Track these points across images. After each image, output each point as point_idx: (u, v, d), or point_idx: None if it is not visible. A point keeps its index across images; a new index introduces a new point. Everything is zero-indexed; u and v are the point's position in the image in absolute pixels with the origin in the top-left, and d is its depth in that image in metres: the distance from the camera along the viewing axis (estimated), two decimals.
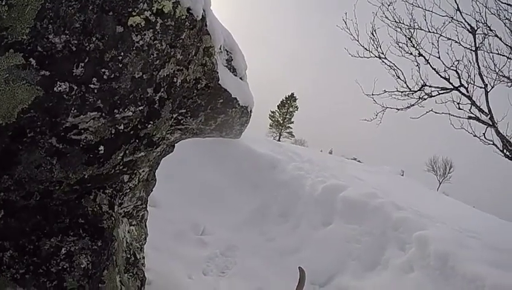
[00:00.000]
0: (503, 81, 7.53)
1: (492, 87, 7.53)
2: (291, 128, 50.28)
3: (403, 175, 21.23)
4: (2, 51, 1.48)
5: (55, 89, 1.61)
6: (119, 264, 2.89)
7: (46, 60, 1.55)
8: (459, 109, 7.74)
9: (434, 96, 8.07)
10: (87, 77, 1.68)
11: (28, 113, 1.60)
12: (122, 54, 1.74)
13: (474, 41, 7.54)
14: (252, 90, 3.80)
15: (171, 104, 2.32)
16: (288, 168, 8.52)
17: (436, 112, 8.08)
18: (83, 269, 2.29)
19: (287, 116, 49.97)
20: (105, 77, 1.73)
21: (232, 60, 3.33)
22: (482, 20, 7.42)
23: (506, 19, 7.21)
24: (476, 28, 7.52)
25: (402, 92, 8.14)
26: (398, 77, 8.11)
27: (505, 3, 7.14)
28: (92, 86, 1.71)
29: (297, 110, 50.14)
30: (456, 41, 7.69)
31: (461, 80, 7.65)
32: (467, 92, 7.66)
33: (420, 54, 7.94)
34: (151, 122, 2.21)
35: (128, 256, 3.47)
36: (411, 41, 7.99)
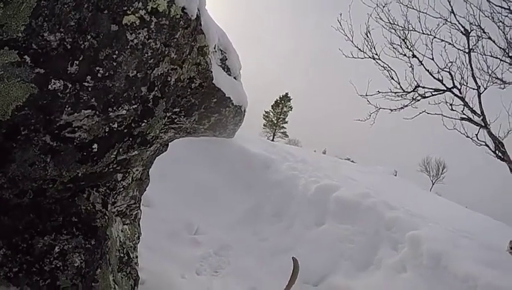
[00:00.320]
0: (496, 83, 7.61)
1: (485, 89, 7.61)
2: (285, 128, 50.36)
3: (396, 175, 21.35)
4: None
5: (49, 86, 1.61)
6: (113, 263, 2.89)
7: (40, 58, 1.55)
8: (452, 110, 7.82)
9: (427, 97, 8.14)
10: (81, 75, 1.68)
11: (22, 110, 1.60)
12: (116, 52, 1.75)
13: (468, 43, 7.62)
14: (247, 90, 3.81)
15: (165, 103, 2.33)
16: (281, 168, 8.54)
17: (429, 113, 8.15)
18: (76, 268, 2.29)
19: (281, 116, 50.04)
20: (99, 75, 1.74)
21: (226, 59, 3.34)
22: (476, 23, 7.50)
23: (500, 21, 7.28)
24: (469, 30, 7.60)
25: (396, 92, 8.20)
26: (392, 78, 8.16)
27: (499, 6, 7.21)
28: (86, 84, 1.72)
29: (291, 110, 50.24)
30: (450, 43, 7.76)
31: (454, 81, 7.72)
32: (460, 93, 7.74)
33: (414, 55, 8.00)
34: (145, 120, 2.22)
35: (122, 255, 3.46)
36: (405, 43, 8.04)
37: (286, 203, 7.65)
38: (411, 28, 8.00)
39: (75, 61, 1.64)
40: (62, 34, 1.57)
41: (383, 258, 6.47)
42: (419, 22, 7.88)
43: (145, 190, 3.80)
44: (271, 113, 50.27)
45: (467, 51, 7.67)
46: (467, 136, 7.79)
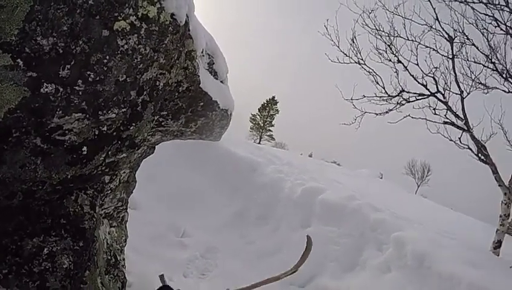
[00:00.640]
0: (479, 88, 7.81)
1: (468, 94, 7.82)
2: (271, 131, 50.47)
3: (381, 178, 21.59)
4: None
5: (41, 90, 1.65)
6: (100, 266, 2.90)
7: (33, 62, 1.59)
8: (435, 114, 8.01)
9: (412, 101, 8.31)
10: (72, 79, 1.72)
11: (14, 113, 1.62)
12: (107, 57, 1.79)
13: (452, 49, 7.82)
14: (234, 93, 3.86)
15: (153, 107, 2.37)
16: (267, 171, 8.59)
17: (413, 117, 8.32)
18: (65, 270, 2.31)
19: (268, 119, 50.15)
20: (90, 79, 1.78)
21: (213, 63, 3.39)
22: (460, 30, 7.70)
23: (484, 28, 7.48)
24: (453, 37, 7.80)
25: (381, 97, 8.35)
26: (377, 83, 8.32)
27: (483, 13, 7.41)
28: (77, 88, 1.75)
29: (278, 113, 50.41)
30: (434, 49, 7.96)
31: (438, 86, 7.92)
32: (444, 98, 7.93)
33: (399, 61, 8.17)
34: (134, 124, 2.26)
35: (109, 257, 3.48)
36: (390, 48, 8.21)
37: (272, 206, 7.71)
38: (396, 34, 8.18)
39: (67, 66, 1.68)
40: (55, 39, 1.61)
41: (368, 259, 6.57)
42: (405, 28, 8.08)
43: (132, 192, 3.82)
44: (258, 117, 50.34)
45: (450, 56, 7.87)
46: (450, 140, 7.98)
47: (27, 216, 2.14)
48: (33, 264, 2.16)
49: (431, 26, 7.91)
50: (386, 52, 8.24)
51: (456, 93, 7.85)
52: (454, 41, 7.83)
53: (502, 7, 7.21)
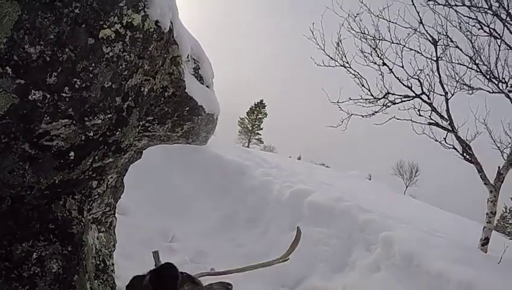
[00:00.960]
0: (463, 89, 7.97)
1: (452, 95, 7.97)
2: (260, 134, 50.57)
3: (370, 179, 21.79)
4: None
5: (29, 97, 1.69)
6: (89, 271, 2.92)
7: (21, 69, 1.63)
8: (420, 115, 8.15)
9: (397, 103, 8.45)
10: (59, 86, 1.76)
11: (3, 119, 1.67)
12: (93, 64, 1.84)
13: (436, 51, 7.98)
14: (221, 96, 3.91)
15: (139, 112, 2.42)
16: (256, 174, 8.65)
17: (398, 119, 8.45)
18: (54, 274, 2.34)
19: (256, 122, 50.24)
20: (76, 86, 1.82)
21: (199, 68, 3.43)
22: (444, 32, 7.87)
23: (468, 30, 7.66)
24: (437, 40, 7.96)
25: (366, 99, 8.47)
26: (363, 85, 8.44)
27: (467, 16, 7.58)
28: (64, 94, 1.80)
29: (266, 116, 50.56)
30: (419, 52, 8.12)
31: (423, 88, 8.07)
32: (429, 99, 8.07)
33: (384, 64, 8.30)
34: (119, 129, 2.30)
35: (98, 262, 3.50)
36: (376, 51, 8.35)
37: (261, 208, 7.76)
38: (381, 38, 8.32)
39: (54, 73, 1.72)
40: (42, 47, 1.65)
41: (357, 259, 6.65)
42: (390, 31, 8.22)
43: (119, 198, 3.84)
44: (246, 120, 50.41)
45: (435, 59, 8.03)
46: (436, 140, 8.12)
47: (16, 221, 2.17)
48: (22, 268, 2.18)
49: (415, 29, 8.07)
50: (371, 55, 8.38)
51: (441, 95, 8.01)
52: (438, 43, 7.99)
53: (485, 10, 7.38)
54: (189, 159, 8.22)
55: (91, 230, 3.26)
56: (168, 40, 2.37)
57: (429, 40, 8.03)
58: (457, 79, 7.95)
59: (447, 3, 7.63)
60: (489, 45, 7.55)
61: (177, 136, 3.44)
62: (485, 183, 7.43)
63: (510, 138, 7.56)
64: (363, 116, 8.70)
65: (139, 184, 6.48)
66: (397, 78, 8.23)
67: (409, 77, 8.13)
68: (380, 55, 8.33)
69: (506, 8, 7.21)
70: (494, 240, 7.59)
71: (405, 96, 8.33)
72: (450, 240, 7.33)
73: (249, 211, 7.79)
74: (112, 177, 3.31)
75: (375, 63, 8.38)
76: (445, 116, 7.87)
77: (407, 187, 44.91)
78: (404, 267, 5.98)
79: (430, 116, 8.04)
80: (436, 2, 7.72)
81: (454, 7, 7.63)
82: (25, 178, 1.95)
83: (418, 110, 8.16)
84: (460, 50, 7.83)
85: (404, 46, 8.16)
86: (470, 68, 7.80)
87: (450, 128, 7.81)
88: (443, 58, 8.04)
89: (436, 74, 8.02)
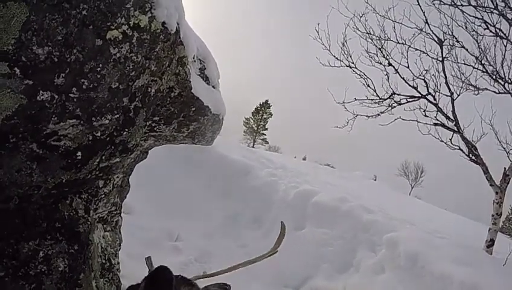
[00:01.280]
0: (469, 89, 7.95)
1: (458, 95, 7.96)
2: (265, 135, 50.56)
3: (375, 180, 21.73)
4: None
5: (37, 97, 1.71)
6: (95, 269, 2.95)
7: (29, 70, 1.65)
8: (425, 116, 8.13)
9: (403, 104, 8.44)
10: (67, 86, 1.78)
11: (11, 120, 1.68)
12: (100, 65, 1.85)
13: (442, 52, 7.96)
14: (226, 96, 3.91)
15: (145, 113, 2.44)
16: (261, 175, 8.66)
17: (404, 119, 8.44)
18: (60, 273, 2.36)
19: (262, 122, 50.24)
20: (84, 86, 1.84)
21: (205, 69, 3.43)
22: (450, 32, 7.85)
23: (474, 30, 7.64)
24: (443, 40, 7.94)
25: (372, 100, 8.47)
26: (368, 86, 8.44)
27: (473, 16, 7.56)
28: (71, 95, 1.82)
29: (271, 116, 50.57)
30: (424, 52, 8.11)
31: (429, 88, 8.06)
32: (434, 100, 8.06)
33: (390, 64, 8.29)
34: (126, 129, 2.32)
35: (104, 261, 3.52)
36: (381, 52, 8.34)
37: (266, 209, 7.77)
38: (387, 38, 8.31)
39: (62, 74, 1.74)
40: (50, 48, 1.67)
41: (362, 260, 6.64)
42: (395, 31, 8.22)
43: (125, 197, 3.86)
44: (251, 120, 50.44)
45: (440, 59, 8.01)
46: (441, 141, 8.11)
47: (23, 220, 2.19)
48: (29, 267, 2.21)
49: (421, 30, 8.06)
50: (376, 55, 8.38)
51: (447, 95, 8.00)
52: (444, 43, 7.98)
53: (491, 10, 7.36)
54: (194, 159, 8.25)
55: (97, 229, 3.28)
56: (175, 41, 2.39)
57: (435, 40, 8.01)
58: (463, 79, 7.94)
59: (452, 3, 7.62)
60: (495, 45, 7.54)
61: (183, 136, 3.45)
62: (490, 185, 7.40)
63: None
64: (368, 117, 8.70)
65: (144, 184, 6.51)
66: (403, 78, 8.23)
67: (415, 77, 8.13)
68: (385, 55, 8.33)
69: None
70: (500, 242, 7.57)
71: (411, 97, 8.32)
72: (454, 241, 7.31)
73: (254, 211, 7.80)
74: (118, 177, 3.33)
75: (381, 64, 8.38)
76: (451, 117, 7.86)
77: (412, 188, 44.82)
78: (409, 269, 5.97)
79: (435, 117, 8.03)
80: (442, 1, 7.71)
81: (460, 7, 7.61)
82: (32, 178, 1.97)
83: (424, 111, 8.16)
84: (466, 50, 7.81)
85: (410, 46, 8.16)
86: (475, 68, 7.78)
87: (456, 129, 7.79)
88: (449, 58, 8.03)
89: (442, 74, 8.01)
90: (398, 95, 8.36)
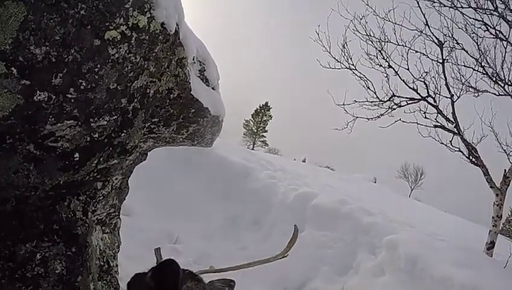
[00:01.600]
0: (469, 91, 7.96)
1: (458, 97, 7.96)
2: (265, 137, 50.55)
3: (375, 182, 21.73)
4: None
5: (34, 98, 1.69)
6: (93, 272, 2.92)
7: (26, 70, 1.63)
8: (426, 118, 8.14)
9: (403, 106, 8.45)
10: (65, 87, 1.76)
11: (8, 120, 1.67)
12: (98, 66, 1.84)
13: (442, 54, 7.98)
14: (226, 97, 3.89)
15: (144, 114, 2.42)
16: (260, 177, 8.65)
17: (404, 121, 8.44)
18: (58, 275, 2.33)
19: (261, 125, 50.23)
20: (82, 87, 1.82)
21: (204, 70, 3.42)
22: (450, 34, 7.87)
23: (474, 32, 7.66)
24: (443, 42, 7.95)
25: (372, 102, 8.47)
26: (368, 88, 8.45)
27: (473, 18, 7.57)
28: (69, 95, 1.80)
29: (271, 119, 50.57)
30: (424, 54, 8.14)
31: (429, 90, 8.07)
32: (434, 102, 8.07)
33: (390, 66, 8.31)
34: (125, 131, 2.30)
35: (102, 263, 3.49)
36: (381, 54, 8.35)
37: (265, 211, 7.75)
38: (387, 40, 8.32)
39: (59, 74, 1.72)
40: (47, 48, 1.65)
41: (362, 262, 6.63)
42: (395, 33, 8.24)
43: (124, 199, 3.84)
44: (251, 122, 50.44)
45: (440, 61, 8.02)
46: (441, 143, 8.11)
47: (20, 222, 2.17)
48: (26, 269, 2.18)
49: (421, 32, 8.08)
50: (376, 57, 8.40)
51: (447, 97, 8.01)
52: (444, 45, 7.99)
53: (491, 12, 7.37)
54: (193, 161, 8.22)
55: (95, 231, 3.26)
56: (174, 42, 2.37)
57: (435, 42, 8.02)
58: (463, 81, 7.96)
59: (452, 5, 7.63)
60: (495, 47, 7.56)
61: (183, 138, 3.43)
62: (491, 187, 7.39)
63: None
64: (368, 119, 8.72)
65: (143, 185, 6.49)
66: (403, 80, 8.25)
67: (415, 80, 8.15)
68: (385, 57, 8.35)
69: None
70: (500, 244, 7.55)
71: (411, 99, 8.33)
72: (454, 243, 7.30)
73: (253, 213, 7.79)
74: (116, 179, 3.31)
75: (381, 66, 8.40)
76: (451, 119, 7.86)
77: (412, 190, 44.81)
78: (409, 271, 5.95)
79: (435, 119, 8.05)
80: (442, 3, 7.71)
81: (460, 9, 7.63)
82: (29, 179, 1.95)
83: (424, 113, 8.17)
84: (466, 52, 7.83)
85: (410, 48, 8.17)
86: (475, 70, 7.80)
87: (456, 131, 7.79)
88: (449, 60, 8.05)
89: (442, 76, 8.03)
90: (398, 97, 8.38)
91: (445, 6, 7.72)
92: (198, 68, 3.36)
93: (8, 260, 2.12)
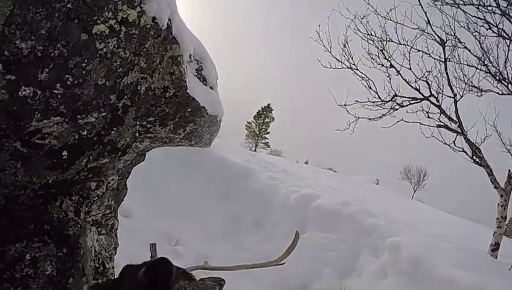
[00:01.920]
0: (472, 90, 7.88)
1: (461, 97, 7.89)
2: (267, 138, 50.48)
3: (378, 184, 21.63)
4: None
5: (19, 93, 1.65)
6: (88, 274, 2.88)
7: (12, 65, 1.60)
8: (429, 118, 8.06)
9: (405, 106, 8.37)
10: (51, 82, 1.72)
11: None
12: (86, 61, 1.79)
13: (444, 52, 7.92)
14: (226, 97, 3.84)
15: (135, 112, 2.37)
16: (262, 178, 8.61)
17: (406, 122, 8.36)
18: (48, 276, 2.29)
19: (263, 126, 50.18)
20: (68, 82, 1.78)
21: (202, 69, 3.38)
22: (452, 33, 7.80)
23: (476, 31, 7.58)
24: (445, 40, 7.88)
25: (374, 102, 8.40)
26: (370, 88, 8.38)
27: (475, 16, 7.50)
28: (55, 91, 1.76)
29: (273, 120, 50.49)
30: (427, 53, 8.06)
31: (431, 90, 8.00)
32: (437, 101, 7.99)
33: (392, 66, 8.24)
34: (115, 128, 2.25)
35: (97, 265, 3.44)
36: (383, 53, 8.28)
37: (266, 212, 7.71)
38: (389, 39, 8.25)
39: (45, 69, 1.68)
40: (33, 42, 1.62)
41: (364, 265, 6.57)
42: (396, 33, 8.16)
43: (122, 200, 3.79)
44: (253, 124, 50.41)
45: (443, 60, 7.95)
46: (445, 143, 8.04)
47: (10, 221, 2.13)
48: (15, 269, 2.15)
49: (423, 30, 8.02)
50: (378, 57, 8.33)
51: (450, 97, 7.94)
52: (447, 44, 7.92)
53: (493, 9, 7.29)
54: (191, 161, 8.18)
55: (90, 232, 3.21)
56: (167, 37, 2.32)
57: (437, 41, 7.95)
58: (466, 81, 7.89)
59: (454, 2, 7.56)
60: (497, 46, 7.49)
61: (180, 138, 3.39)
62: (495, 187, 7.31)
63: None
64: (370, 120, 8.64)
65: (143, 186, 6.46)
66: (405, 80, 8.18)
67: (417, 79, 8.08)
68: (387, 57, 8.27)
69: None
70: (504, 246, 7.46)
71: (413, 99, 8.26)
72: (458, 244, 7.22)
73: (254, 214, 7.74)
74: (113, 179, 3.26)
75: (383, 65, 8.33)
76: (454, 119, 7.79)
77: (415, 191, 44.58)
78: (412, 273, 5.89)
79: (438, 119, 7.98)
80: (444, 1, 7.64)
81: (462, 6, 7.56)
82: (17, 177, 1.91)
83: (427, 113, 8.10)
84: (469, 51, 7.76)
85: (412, 47, 8.10)
86: (478, 69, 7.72)
87: (460, 131, 7.72)
88: (451, 59, 7.97)
89: (444, 75, 7.97)
90: (401, 97, 8.31)
91: (447, 4, 7.66)
92: (196, 67, 3.31)
93: None
